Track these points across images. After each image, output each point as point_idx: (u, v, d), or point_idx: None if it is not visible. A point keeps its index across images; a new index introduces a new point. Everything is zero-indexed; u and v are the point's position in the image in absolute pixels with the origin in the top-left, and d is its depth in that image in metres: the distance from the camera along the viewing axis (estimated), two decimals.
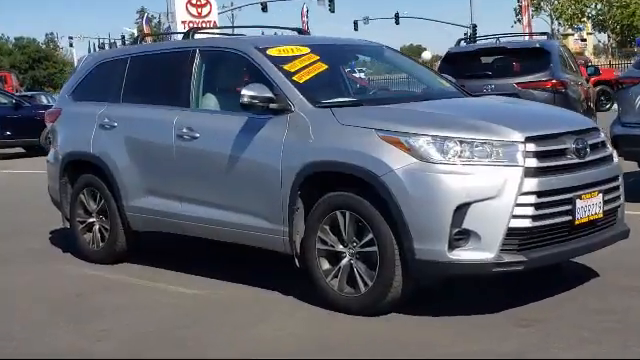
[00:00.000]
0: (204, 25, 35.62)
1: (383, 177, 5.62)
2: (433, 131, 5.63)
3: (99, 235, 8.17)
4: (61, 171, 8.45)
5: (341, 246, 6.03)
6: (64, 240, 9.25)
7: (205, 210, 7.01)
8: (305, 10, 43.45)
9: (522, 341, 5.26)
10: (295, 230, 6.28)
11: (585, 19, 71.70)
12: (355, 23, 72.84)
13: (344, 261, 6.01)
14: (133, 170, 7.62)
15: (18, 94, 31.36)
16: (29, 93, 36.28)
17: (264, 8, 61.60)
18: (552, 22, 72.07)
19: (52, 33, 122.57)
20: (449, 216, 5.42)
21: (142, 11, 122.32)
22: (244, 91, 6.30)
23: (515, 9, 71.26)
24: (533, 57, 12.28)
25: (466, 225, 5.45)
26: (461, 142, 5.55)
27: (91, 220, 8.25)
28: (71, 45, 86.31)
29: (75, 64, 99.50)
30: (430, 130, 5.65)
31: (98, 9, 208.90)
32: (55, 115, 8.77)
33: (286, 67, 6.70)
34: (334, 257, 6.10)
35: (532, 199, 5.50)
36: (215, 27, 8.12)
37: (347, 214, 5.93)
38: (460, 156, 5.53)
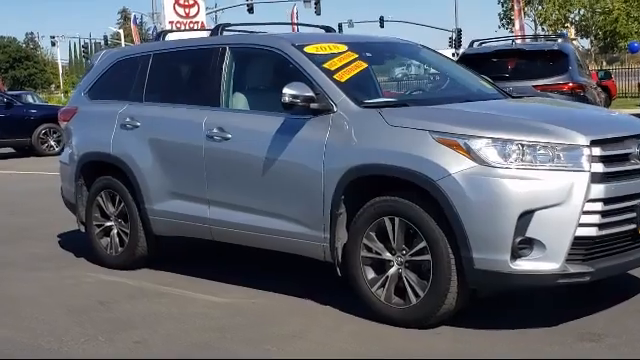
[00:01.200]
0: (192, 26, 35.48)
1: (439, 182, 5.31)
2: (493, 133, 5.32)
3: (117, 240, 7.83)
4: (77, 172, 8.10)
5: (388, 254, 5.72)
6: (72, 244, 8.93)
7: (236, 214, 6.68)
8: (295, 11, 43.19)
9: (592, 356, 4.95)
10: (337, 237, 5.96)
11: (569, 25, 71.79)
12: (340, 26, 72.43)
13: (392, 270, 5.70)
14: (157, 172, 7.28)
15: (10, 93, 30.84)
16: (15, 92, 35.64)
17: (250, 9, 61.23)
18: (536, 27, 72.11)
19: (32, 33, 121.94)
20: (512, 224, 5.12)
21: (124, 11, 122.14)
22: (286, 90, 5.98)
23: (499, 14, 71.35)
24: (551, 59, 12.01)
25: (530, 234, 5.15)
26: (523, 145, 5.25)
27: (109, 224, 7.90)
28: (53, 45, 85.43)
29: (59, 64, 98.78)
30: (490, 132, 5.34)
31: (78, 9, 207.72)
32: (70, 114, 8.41)
33: (326, 65, 6.39)
34: (380, 265, 5.79)
35: (599, 206, 5.21)
36: (243, 24, 7.60)
37: (396, 220, 5.62)
38: (522, 160, 5.22)
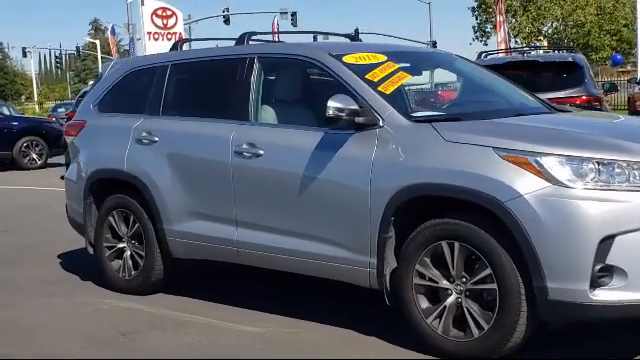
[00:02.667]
0: (169, 37, 34.96)
1: (508, 203, 4.84)
2: (568, 150, 4.87)
3: (131, 262, 7.30)
4: (86, 190, 7.56)
5: (446, 282, 5.25)
6: (76, 266, 8.41)
7: (268, 236, 6.20)
8: (277, 22, 42.75)
9: None
10: (385, 262, 5.48)
11: (542, 37, 71.85)
12: (315, 38, 72.07)
13: (450, 299, 5.23)
14: (177, 190, 6.77)
15: None
16: None
17: (226, 21, 60.80)
18: (510, 40, 72.08)
19: (1, 43, 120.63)
20: (592, 250, 4.67)
21: (95, 22, 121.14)
22: (331, 103, 5.51)
23: (474, 27, 71.22)
24: (565, 71, 11.61)
25: (610, 261, 4.69)
26: (599, 163, 4.79)
27: (121, 245, 7.38)
28: (25, 55, 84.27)
29: (33, 75, 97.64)
30: (564, 149, 4.89)
31: (47, 20, 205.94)
32: (77, 128, 7.87)
33: (368, 76, 5.92)
34: (435, 294, 5.32)
35: None
36: (266, 33, 7.09)
37: (456, 245, 5.16)
38: (599, 180, 4.77)
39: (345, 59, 6.09)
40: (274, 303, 6.68)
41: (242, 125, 6.40)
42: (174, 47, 7.53)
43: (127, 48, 51.86)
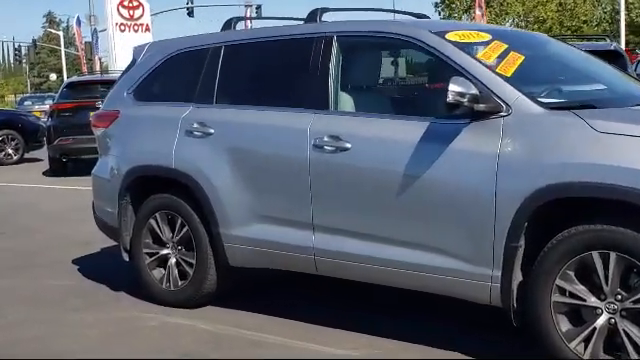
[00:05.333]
0: (136, 29, 34.03)
1: None
2: None
3: (177, 271, 6.38)
4: (122, 190, 6.61)
5: (595, 299, 4.41)
6: (99, 274, 7.53)
7: (356, 244, 5.33)
8: (249, 13, 41.74)
9: None
10: (513, 276, 4.63)
11: None
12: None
13: (600, 320, 4.40)
14: (239, 190, 5.88)
15: None
16: None
17: (190, 13, 59.62)
18: None
19: None
20: None
21: (49, 15, 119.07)
22: (452, 86, 4.64)
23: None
24: (608, 61, 10.80)
25: None
26: None
27: (165, 252, 6.46)
28: None
29: None
30: None
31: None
32: (109, 119, 6.91)
33: (481, 57, 5.06)
34: (578, 313, 4.49)
35: None
36: (342, 9, 6.18)
37: (612, 256, 4.32)
38: None
39: (448, 37, 5.23)
40: (340, 316, 5.88)
41: (321, 115, 5.52)
42: (226, 25, 6.59)
43: (88, 40, 50.55)
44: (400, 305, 5.98)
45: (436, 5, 65.05)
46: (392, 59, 5.88)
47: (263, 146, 5.79)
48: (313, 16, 5.97)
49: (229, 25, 6.54)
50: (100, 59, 46.98)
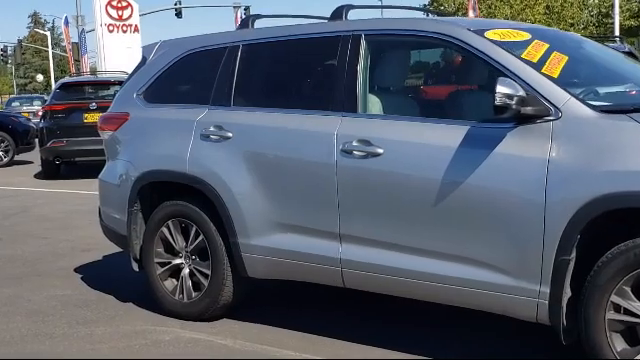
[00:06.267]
0: (125, 29, 33.66)
1: None
2: None
3: (190, 282, 6.04)
4: (132, 196, 6.27)
5: None
6: (106, 284, 7.18)
7: (389, 256, 5.01)
8: (240, 15, 41.32)
9: None
10: (564, 291, 4.32)
11: None
12: None
13: None
14: (259, 197, 5.55)
15: None
16: None
17: (178, 14, 59.21)
18: None
19: None
20: None
21: (35, 15, 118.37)
22: (499, 88, 4.32)
23: None
24: None
25: None
26: None
27: (177, 262, 6.12)
28: None
29: None
30: None
31: None
32: (118, 121, 6.56)
33: (525, 56, 4.75)
34: (633, 332, 4.19)
35: None
36: (368, 7, 5.85)
37: None
38: None
39: (488, 35, 4.93)
40: (375, 331, 5.55)
41: (349, 118, 5.20)
42: (244, 24, 6.25)
43: (75, 41, 50.08)
44: (423, 318, 5.65)
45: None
46: (425, 59, 5.55)
47: (286, 150, 5.46)
48: (338, 14, 5.64)
49: (246, 24, 6.19)
50: (87, 60, 46.52)
